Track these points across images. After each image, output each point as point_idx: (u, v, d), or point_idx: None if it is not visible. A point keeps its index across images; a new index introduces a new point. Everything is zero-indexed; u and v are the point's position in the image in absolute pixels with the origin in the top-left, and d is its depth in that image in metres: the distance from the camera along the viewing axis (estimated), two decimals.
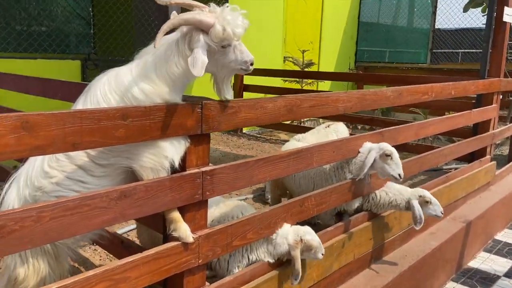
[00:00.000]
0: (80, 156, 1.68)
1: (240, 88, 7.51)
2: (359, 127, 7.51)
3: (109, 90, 1.68)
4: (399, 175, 2.54)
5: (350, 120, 6.24)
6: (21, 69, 4.33)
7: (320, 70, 9.13)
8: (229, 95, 1.86)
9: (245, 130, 7.78)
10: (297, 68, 7.90)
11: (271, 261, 2.18)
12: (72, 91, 2.61)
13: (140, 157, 1.70)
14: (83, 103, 1.71)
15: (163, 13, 1.99)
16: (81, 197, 1.46)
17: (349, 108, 2.57)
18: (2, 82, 3.50)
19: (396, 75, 5.78)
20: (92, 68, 5.69)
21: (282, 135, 7.62)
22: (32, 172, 1.73)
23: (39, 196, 1.70)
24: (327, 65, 9.56)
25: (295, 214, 2.30)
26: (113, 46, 6.62)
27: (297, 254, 2.11)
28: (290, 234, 2.17)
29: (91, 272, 1.53)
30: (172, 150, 1.73)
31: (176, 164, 1.75)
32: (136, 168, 1.72)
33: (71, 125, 1.39)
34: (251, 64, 1.75)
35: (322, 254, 2.18)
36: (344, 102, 2.49)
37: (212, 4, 1.73)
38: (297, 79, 7.70)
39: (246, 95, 7.54)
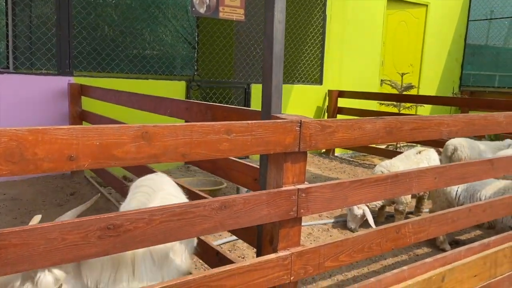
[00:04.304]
0: None
1: (334, 110, 7.47)
2: None
3: None
4: None
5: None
6: (134, 88, 4.80)
7: (420, 94, 8.71)
8: None
9: (337, 153, 7.67)
10: (395, 92, 7.64)
11: None
12: (180, 108, 2.84)
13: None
14: None
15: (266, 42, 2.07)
16: (187, 205, 1.57)
17: (454, 133, 2.42)
18: (118, 99, 3.94)
19: (509, 100, 5.27)
20: (196, 88, 6.10)
21: (376, 160, 7.36)
22: None
23: None
24: (428, 89, 9.08)
25: (391, 240, 2.21)
26: (214, 68, 7.06)
27: None
28: None
29: (190, 277, 1.62)
30: None
31: None
32: None
33: (182, 137, 1.51)
34: None
35: None
36: (449, 126, 2.35)
37: None
38: (395, 103, 7.43)
39: (340, 117, 7.47)
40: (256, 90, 6.66)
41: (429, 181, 2.30)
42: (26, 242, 1.22)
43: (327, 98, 7.57)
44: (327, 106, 7.59)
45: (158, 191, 2.17)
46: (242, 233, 2.38)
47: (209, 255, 2.59)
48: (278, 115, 1.91)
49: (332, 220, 4.11)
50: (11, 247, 1.21)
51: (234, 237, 3.52)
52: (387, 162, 3.89)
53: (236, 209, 1.70)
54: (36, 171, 1.21)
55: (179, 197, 2.24)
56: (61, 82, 4.84)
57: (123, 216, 1.41)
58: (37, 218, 1.76)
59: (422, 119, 2.23)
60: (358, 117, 2.08)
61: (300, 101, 7.26)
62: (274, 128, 1.75)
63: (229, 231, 2.64)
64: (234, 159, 2.42)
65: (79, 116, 4.88)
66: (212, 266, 2.56)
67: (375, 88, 8.18)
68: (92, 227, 1.34)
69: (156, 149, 1.46)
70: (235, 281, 1.73)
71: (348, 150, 7.68)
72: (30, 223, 1.58)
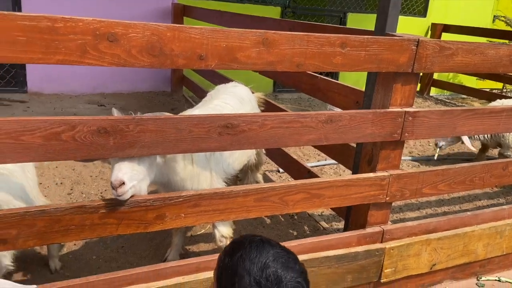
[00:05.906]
0: None
1: None
2: None
3: None
4: None
5: None
6: (233, 10, 4.85)
7: None
8: None
9: (432, 93, 7.21)
10: (510, 29, 6.81)
11: None
12: (283, 28, 2.83)
13: None
14: None
15: None
16: (296, 114, 1.63)
17: None
18: (221, 19, 4.00)
19: None
20: (290, 15, 5.97)
21: (476, 104, 6.82)
22: None
23: None
24: None
25: (496, 176, 2.11)
26: None
27: None
28: None
29: (293, 182, 1.73)
30: None
31: None
32: None
33: (299, 46, 1.54)
34: None
35: None
36: None
37: None
38: (507, 42, 6.65)
39: None
40: (352, 20, 6.33)
41: None
42: (161, 129, 1.38)
43: (429, 32, 6.99)
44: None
45: (214, 99, 2.37)
46: (337, 154, 2.43)
47: (300, 173, 2.69)
48: (393, 33, 1.83)
49: (410, 158, 4.00)
50: (148, 132, 1.37)
51: (322, 162, 3.61)
52: (503, 100, 3.61)
53: (341, 124, 1.73)
54: (172, 65, 1.33)
55: (234, 107, 2.31)
56: (165, 2, 5.01)
57: (240, 117, 1.52)
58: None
59: None
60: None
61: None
62: (390, 45, 1.69)
63: (322, 150, 2.71)
64: (334, 80, 2.41)
65: None
66: None
67: (486, 25, 7.34)
68: (213, 124, 1.46)
69: (274, 56, 1.51)
70: (333, 192, 1.81)
71: (445, 91, 7.17)
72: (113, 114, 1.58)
